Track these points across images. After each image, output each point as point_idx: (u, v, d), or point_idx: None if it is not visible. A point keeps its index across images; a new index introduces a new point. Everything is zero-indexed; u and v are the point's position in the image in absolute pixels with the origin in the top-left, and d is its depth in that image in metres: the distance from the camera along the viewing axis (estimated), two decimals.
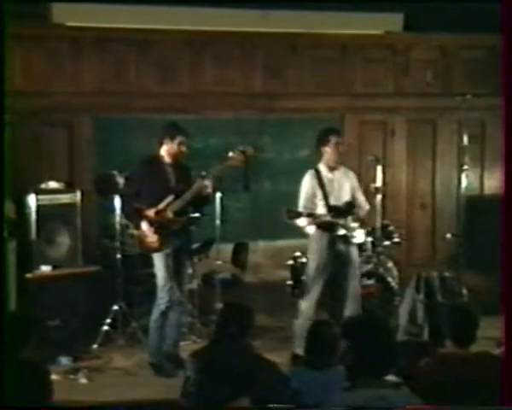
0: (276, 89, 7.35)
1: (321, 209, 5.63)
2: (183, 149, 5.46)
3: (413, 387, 3.08)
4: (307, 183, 5.70)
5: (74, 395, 4.81)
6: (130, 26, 6.83)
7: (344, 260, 5.67)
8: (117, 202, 6.03)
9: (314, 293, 5.66)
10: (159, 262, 5.40)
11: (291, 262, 6.47)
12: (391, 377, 3.00)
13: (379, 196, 6.02)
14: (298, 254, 6.45)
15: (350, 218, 5.64)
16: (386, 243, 6.44)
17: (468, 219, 6.83)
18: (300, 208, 5.58)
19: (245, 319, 3.88)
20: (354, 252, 5.75)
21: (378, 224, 6.18)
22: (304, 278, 5.87)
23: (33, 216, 5.91)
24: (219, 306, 5.98)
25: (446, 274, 6.25)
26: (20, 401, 3.14)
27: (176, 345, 5.57)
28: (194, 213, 5.59)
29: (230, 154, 5.39)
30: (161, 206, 5.34)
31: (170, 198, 5.35)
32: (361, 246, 6.01)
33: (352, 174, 5.83)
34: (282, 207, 5.35)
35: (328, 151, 5.67)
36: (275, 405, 3.30)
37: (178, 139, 5.42)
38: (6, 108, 4.24)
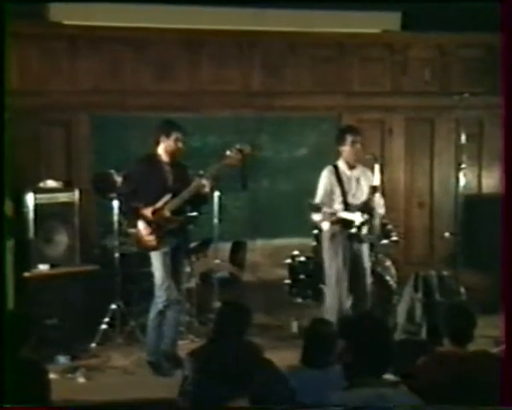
0: (274, 87, 7.35)
1: (337, 206, 5.56)
2: (180, 145, 5.42)
3: (411, 386, 3.08)
4: (326, 178, 5.62)
5: (72, 394, 4.80)
6: (128, 24, 6.83)
7: (357, 258, 5.64)
8: (115, 200, 6.03)
9: (341, 291, 5.58)
10: (156, 261, 5.39)
11: (289, 261, 6.48)
12: (389, 376, 3.01)
13: (377, 195, 6.01)
14: (296, 252, 6.46)
15: (365, 217, 5.56)
16: (385, 241, 6.43)
17: (465, 217, 6.81)
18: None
19: (243, 318, 3.88)
20: (366, 250, 5.71)
21: (376, 222, 6.18)
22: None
23: (31, 215, 5.91)
24: (217, 305, 5.99)
25: (444, 273, 6.26)
26: (19, 401, 3.13)
27: (174, 344, 5.55)
28: (191, 211, 5.58)
29: (228, 152, 5.35)
30: (159, 205, 5.32)
31: (167, 197, 5.34)
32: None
33: (370, 174, 5.72)
34: (305, 201, 5.34)
35: (345, 150, 5.61)
36: (273, 404, 3.30)
37: (174, 135, 5.39)
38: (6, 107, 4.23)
